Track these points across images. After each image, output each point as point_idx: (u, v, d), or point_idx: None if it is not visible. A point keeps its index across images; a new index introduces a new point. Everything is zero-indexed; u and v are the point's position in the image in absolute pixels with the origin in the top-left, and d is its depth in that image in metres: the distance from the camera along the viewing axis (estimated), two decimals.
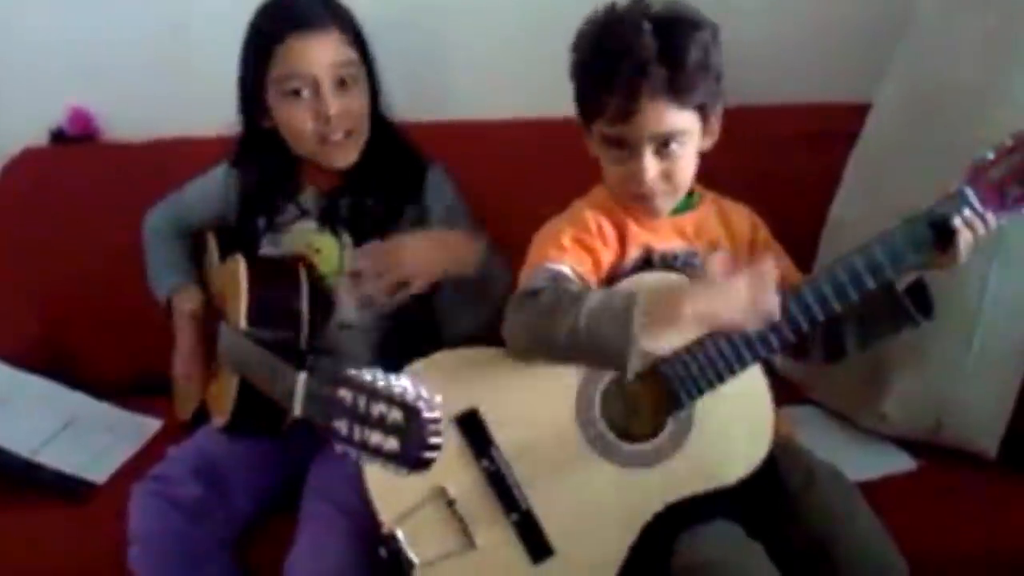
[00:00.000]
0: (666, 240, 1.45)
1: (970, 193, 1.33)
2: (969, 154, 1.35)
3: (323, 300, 1.63)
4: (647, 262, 1.43)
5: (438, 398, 1.04)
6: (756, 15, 1.95)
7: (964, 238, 1.32)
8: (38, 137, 2.12)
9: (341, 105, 1.57)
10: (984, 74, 1.59)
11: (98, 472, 1.70)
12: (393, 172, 1.67)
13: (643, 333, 1.22)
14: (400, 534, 1.35)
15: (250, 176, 1.69)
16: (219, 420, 1.56)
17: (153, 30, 2.05)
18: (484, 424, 1.38)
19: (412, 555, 1.34)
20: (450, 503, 1.36)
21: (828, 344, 1.47)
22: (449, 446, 1.29)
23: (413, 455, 1.03)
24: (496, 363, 1.38)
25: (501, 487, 1.37)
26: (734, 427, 1.38)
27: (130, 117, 2.11)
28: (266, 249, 1.68)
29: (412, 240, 1.60)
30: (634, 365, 1.24)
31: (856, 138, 1.79)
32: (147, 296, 1.75)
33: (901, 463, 1.61)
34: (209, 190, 1.73)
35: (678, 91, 1.34)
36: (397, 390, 1.04)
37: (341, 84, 1.58)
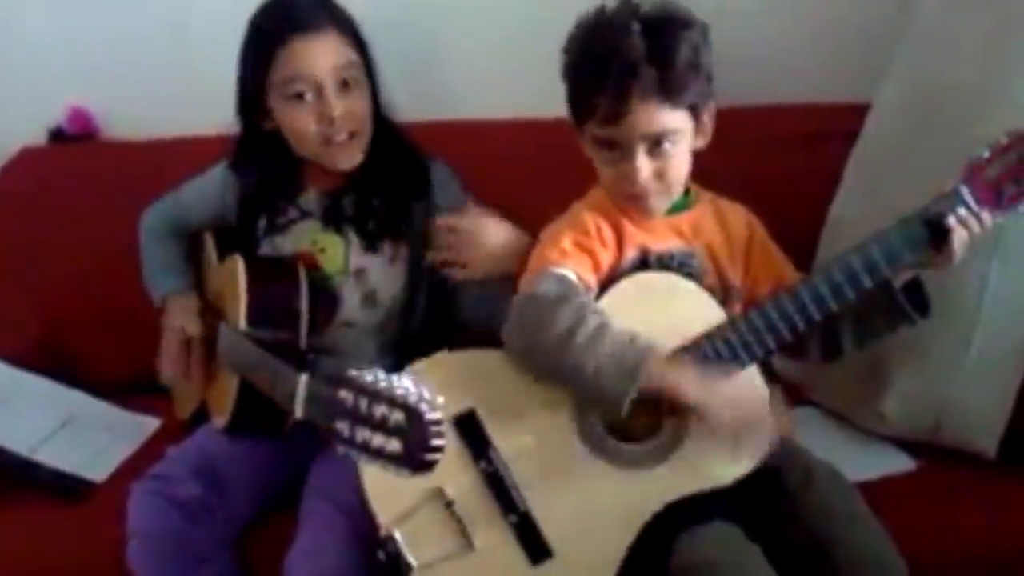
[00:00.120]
0: (663, 240, 1.45)
1: (965, 192, 1.33)
2: (969, 154, 1.35)
3: (325, 299, 1.63)
4: (644, 263, 1.43)
5: (440, 399, 1.04)
6: (755, 15, 1.94)
7: (959, 237, 1.33)
8: (37, 136, 2.11)
9: (344, 107, 1.57)
10: (984, 74, 1.58)
11: (97, 471, 1.70)
12: (396, 171, 1.67)
13: (641, 387, 1.28)
14: (398, 536, 1.35)
15: (250, 178, 1.69)
16: (220, 420, 1.56)
17: (153, 30, 2.05)
18: (482, 425, 1.37)
19: (410, 558, 1.34)
20: (448, 504, 1.36)
21: (825, 343, 1.48)
22: (447, 447, 1.28)
23: (416, 457, 1.03)
24: (495, 364, 1.38)
25: (499, 488, 1.36)
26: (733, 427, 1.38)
27: (129, 116, 2.10)
28: (266, 249, 1.68)
29: (495, 230, 1.61)
30: (626, 410, 1.29)
31: (856, 138, 1.79)
32: (146, 296, 1.75)
33: (900, 463, 1.61)
34: (207, 190, 1.73)
35: (669, 91, 1.34)
36: (399, 391, 1.04)
37: (344, 86, 1.58)
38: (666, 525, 1.35)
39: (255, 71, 1.59)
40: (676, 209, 1.47)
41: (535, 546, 1.36)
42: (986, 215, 1.34)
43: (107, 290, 1.94)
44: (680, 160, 1.41)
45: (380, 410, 1.04)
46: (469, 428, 1.37)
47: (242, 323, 1.53)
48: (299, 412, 1.15)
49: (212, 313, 1.67)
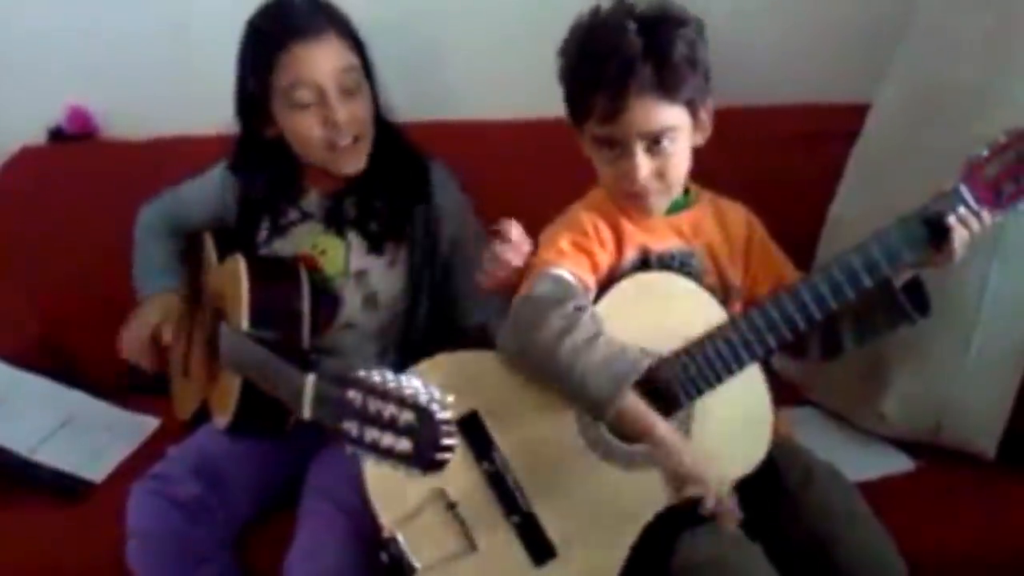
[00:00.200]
0: (663, 240, 1.45)
1: (964, 191, 1.34)
2: (968, 154, 1.35)
3: (326, 301, 1.63)
4: (644, 263, 1.43)
5: (449, 398, 1.04)
6: (756, 15, 1.94)
7: (959, 235, 1.33)
8: (37, 136, 2.11)
9: (348, 111, 1.57)
10: (984, 74, 1.59)
11: (96, 471, 1.70)
12: (397, 173, 1.67)
13: (624, 402, 1.30)
14: (401, 537, 1.34)
15: (250, 181, 1.68)
16: (222, 420, 1.56)
17: (153, 29, 2.05)
18: (485, 426, 1.37)
19: (413, 559, 1.34)
20: (451, 506, 1.36)
21: (825, 341, 1.48)
22: None
23: (427, 456, 1.03)
24: (496, 365, 1.38)
25: (502, 489, 1.36)
26: (733, 427, 1.38)
27: (129, 116, 2.10)
28: (266, 252, 1.67)
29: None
30: (610, 417, 1.31)
31: (856, 138, 1.79)
32: None
33: (900, 463, 1.61)
34: (206, 191, 1.73)
35: (666, 87, 1.35)
36: (408, 391, 1.04)
37: (346, 90, 1.58)
38: (668, 524, 1.35)
39: (255, 75, 1.59)
40: (676, 208, 1.47)
41: (538, 546, 1.36)
42: (986, 214, 1.34)
43: (107, 290, 1.93)
44: (679, 158, 1.41)
45: (390, 410, 1.04)
46: (472, 429, 1.37)
47: (244, 323, 1.52)
48: (307, 413, 1.14)
49: (213, 313, 1.67)
